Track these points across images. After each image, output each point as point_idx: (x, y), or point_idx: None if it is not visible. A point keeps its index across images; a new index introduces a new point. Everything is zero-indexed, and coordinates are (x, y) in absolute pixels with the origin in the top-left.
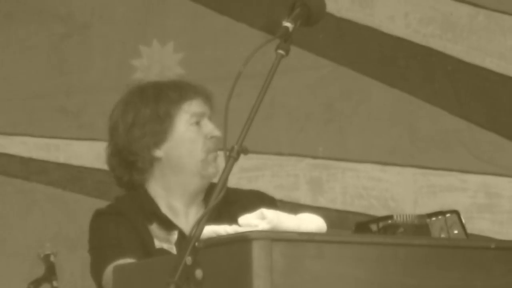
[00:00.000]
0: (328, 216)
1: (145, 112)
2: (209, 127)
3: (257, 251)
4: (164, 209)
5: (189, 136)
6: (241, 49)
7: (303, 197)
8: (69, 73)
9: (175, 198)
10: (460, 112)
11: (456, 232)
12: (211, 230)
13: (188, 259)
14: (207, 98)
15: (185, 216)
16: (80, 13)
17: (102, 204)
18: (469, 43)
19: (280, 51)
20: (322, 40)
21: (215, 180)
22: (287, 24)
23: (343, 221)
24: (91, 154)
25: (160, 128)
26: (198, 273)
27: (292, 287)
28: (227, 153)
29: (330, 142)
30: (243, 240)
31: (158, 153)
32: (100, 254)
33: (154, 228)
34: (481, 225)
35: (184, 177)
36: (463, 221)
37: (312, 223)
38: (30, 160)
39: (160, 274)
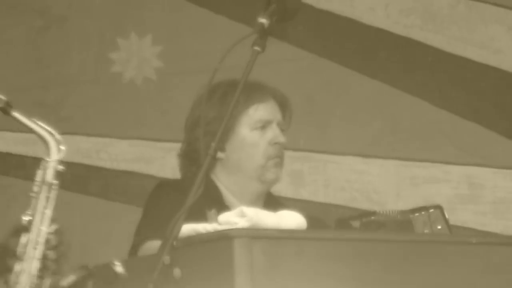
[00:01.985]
0: (310, 209)
1: (209, 113)
2: (273, 133)
3: (238, 249)
4: (226, 200)
5: (250, 140)
6: (220, 41)
7: (285, 190)
8: (46, 67)
9: (236, 197)
10: (442, 103)
11: (439, 227)
12: (190, 228)
13: (166, 259)
14: (279, 103)
15: None
16: (57, 6)
17: (81, 198)
18: (450, 33)
19: (256, 48)
20: (301, 31)
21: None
22: (263, 20)
23: (326, 214)
24: (70, 148)
25: (222, 130)
26: (176, 272)
27: (273, 284)
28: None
29: (311, 134)
30: (224, 238)
31: (219, 154)
32: (145, 225)
33: (212, 214)
34: (464, 216)
35: (243, 180)
36: (447, 216)
37: (292, 220)
38: (8, 155)
39: (142, 273)
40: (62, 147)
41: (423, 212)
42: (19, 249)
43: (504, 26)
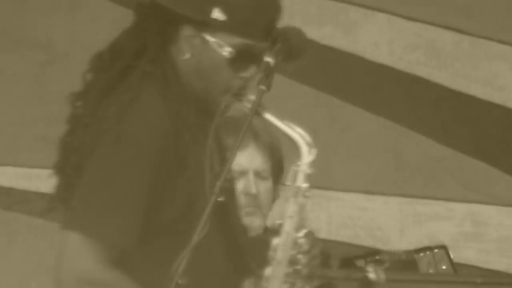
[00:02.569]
0: None
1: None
2: (244, 184)
3: None
4: None
5: None
6: None
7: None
8: (50, 102)
9: None
10: (446, 140)
11: (444, 267)
12: None
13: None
14: (263, 145)
15: None
16: (61, 41)
17: None
18: (454, 70)
19: (262, 87)
20: (305, 67)
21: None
22: (268, 59)
23: (329, 251)
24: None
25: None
26: None
27: None
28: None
29: (314, 170)
30: None
31: None
32: None
33: None
34: (468, 254)
35: None
36: (451, 256)
37: None
38: (11, 190)
39: None
40: (313, 150)
41: (427, 252)
42: (270, 253)
43: (508, 63)
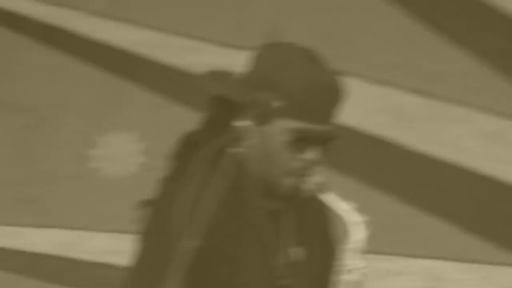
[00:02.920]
0: None
1: None
2: None
3: None
4: None
5: None
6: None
7: None
8: (32, 163)
9: None
10: (407, 198)
11: None
12: None
13: None
14: None
15: None
16: (47, 104)
17: None
18: (418, 132)
19: (233, 149)
20: None
21: None
22: (242, 123)
23: None
24: (49, 241)
25: None
26: None
27: None
28: None
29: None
30: None
31: None
32: None
33: None
34: None
35: None
36: None
37: None
38: None
39: None
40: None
41: None
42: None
43: (470, 126)
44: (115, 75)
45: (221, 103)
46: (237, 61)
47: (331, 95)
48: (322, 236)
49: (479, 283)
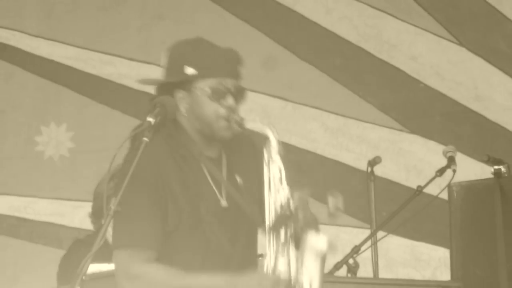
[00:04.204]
0: None
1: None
2: None
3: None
4: None
5: None
6: (116, 130)
7: None
8: None
9: None
10: None
11: None
12: (95, 267)
13: None
14: None
15: None
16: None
17: (12, 241)
18: (279, 127)
19: (145, 138)
20: None
21: None
22: (150, 119)
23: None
24: (5, 204)
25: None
26: None
27: None
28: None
29: None
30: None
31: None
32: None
33: None
34: None
35: None
36: None
37: None
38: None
39: None
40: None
41: None
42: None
43: (319, 122)
44: (50, 81)
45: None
46: (144, 72)
47: (229, 56)
48: (253, 166)
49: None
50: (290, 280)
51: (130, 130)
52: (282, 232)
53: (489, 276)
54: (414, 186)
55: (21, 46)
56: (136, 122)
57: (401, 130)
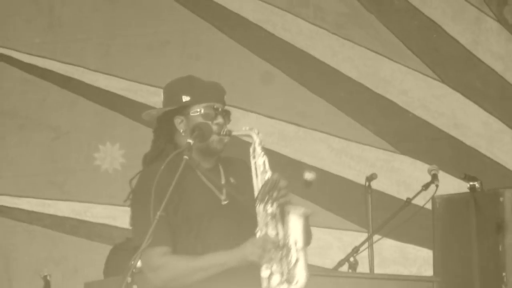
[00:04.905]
0: None
1: None
2: None
3: None
4: None
5: None
6: None
7: None
8: (55, 162)
9: None
10: None
11: None
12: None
13: (128, 279)
14: None
15: None
16: (64, 123)
17: (74, 239)
18: (293, 148)
19: (185, 157)
20: None
21: None
22: (190, 140)
23: None
24: (69, 209)
25: None
26: (135, 287)
27: None
28: None
29: None
30: None
31: None
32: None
33: None
34: None
35: None
36: None
37: None
38: (32, 213)
39: None
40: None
41: None
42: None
43: (326, 144)
44: (106, 107)
45: (159, 120)
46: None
47: (215, 90)
48: (245, 174)
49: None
50: (278, 240)
51: (173, 152)
52: (269, 204)
53: (464, 273)
54: (404, 198)
55: (83, 79)
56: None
57: (393, 152)
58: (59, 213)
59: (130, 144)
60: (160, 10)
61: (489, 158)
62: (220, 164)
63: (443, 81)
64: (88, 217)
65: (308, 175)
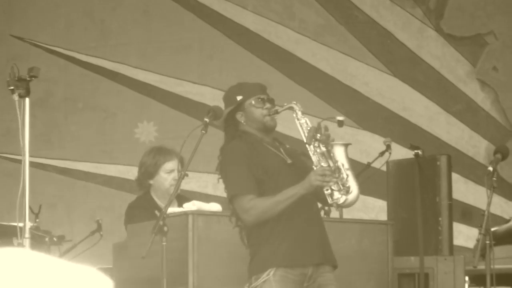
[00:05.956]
0: None
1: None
2: (171, 176)
3: (190, 219)
4: (159, 203)
5: (163, 177)
6: (183, 126)
7: None
8: (106, 135)
9: (162, 201)
10: None
11: None
12: (171, 209)
13: (161, 222)
14: (179, 160)
15: None
16: (112, 107)
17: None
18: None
19: (203, 131)
20: None
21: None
22: (206, 119)
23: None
24: (115, 170)
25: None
26: (166, 228)
27: (206, 236)
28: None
29: None
30: (185, 214)
31: (151, 181)
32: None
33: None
34: None
35: (162, 196)
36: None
37: (215, 206)
38: (88, 173)
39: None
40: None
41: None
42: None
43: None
44: (144, 95)
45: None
46: (199, 90)
47: (259, 86)
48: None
49: None
50: (330, 167)
51: (193, 127)
52: (317, 144)
53: (410, 218)
54: (365, 162)
55: (126, 73)
56: (196, 121)
57: (358, 128)
58: (108, 173)
59: (162, 122)
60: (184, 22)
61: (429, 132)
62: (276, 141)
63: (395, 75)
64: (130, 176)
65: (340, 117)
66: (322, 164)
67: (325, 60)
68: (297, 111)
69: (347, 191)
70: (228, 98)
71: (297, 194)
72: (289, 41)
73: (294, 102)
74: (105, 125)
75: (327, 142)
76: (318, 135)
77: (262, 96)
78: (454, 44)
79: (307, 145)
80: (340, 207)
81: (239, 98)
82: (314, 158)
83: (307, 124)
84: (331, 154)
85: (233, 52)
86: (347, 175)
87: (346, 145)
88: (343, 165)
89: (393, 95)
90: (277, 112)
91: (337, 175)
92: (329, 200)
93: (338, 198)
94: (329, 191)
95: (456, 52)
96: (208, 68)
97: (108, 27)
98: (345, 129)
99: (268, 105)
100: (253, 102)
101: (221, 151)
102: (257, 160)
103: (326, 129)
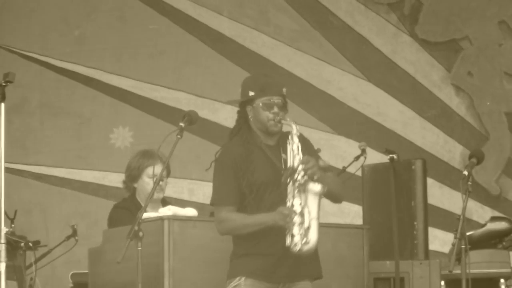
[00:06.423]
0: None
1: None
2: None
3: (166, 224)
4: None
5: (146, 182)
6: (159, 131)
7: None
8: (81, 141)
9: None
10: None
11: None
12: (166, 208)
13: (136, 227)
14: (163, 163)
15: None
16: (87, 112)
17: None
18: None
19: (178, 136)
20: None
21: None
22: (182, 124)
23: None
24: (90, 175)
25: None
26: (141, 233)
27: (182, 241)
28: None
29: None
30: (160, 219)
31: (135, 185)
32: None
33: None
34: None
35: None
36: None
37: (191, 211)
38: (63, 179)
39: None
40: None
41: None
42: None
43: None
44: (119, 100)
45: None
46: (173, 95)
47: (275, 82)
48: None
49: None
50: (299, 210)
51: (168, 132)
52: (295, 180)
53: (386, 222)
54: (341, 167)
55: (101, 79)
56: (171, 126)
57: (332, 133)
58: (84, 179)
59: (137, 127)
60: (159, 27)
61: (403, 137)
62: (280, 142)
63: (369, 81)
64: (105, 182)
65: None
66: (294, 201)
67: (300, 65)
68: (293, 132)
69: (306, 242)
70: (243, 88)
71: (265, 224)
72: (264, 47)
73: (295, 122)
74: (81, 131)
75: (307, 181)
76: (296, 175)
77: (272, 99)
78: (428, 50)
79: (286, 177)
80: (293, 251)
81: (251, 94)
82: (288, 191)
83: (298, 151)
84: (305, 196)
85: (208, 57)
86: (309, 225)
87: (320, 195)
88: (310, 213)
89: (368, 100)
90: (279, 121)
91: (300, 221)
92: (288, 241)
93: (296, 244)
94: (291, 232)
95: (431, 57)
96: (183, 74)
97: (83, 32)
98: (320, 134)
99: (275, 109)
100: (261, 104)
101: (220, 149)
102: (246, 170)
103: (312, 167)
